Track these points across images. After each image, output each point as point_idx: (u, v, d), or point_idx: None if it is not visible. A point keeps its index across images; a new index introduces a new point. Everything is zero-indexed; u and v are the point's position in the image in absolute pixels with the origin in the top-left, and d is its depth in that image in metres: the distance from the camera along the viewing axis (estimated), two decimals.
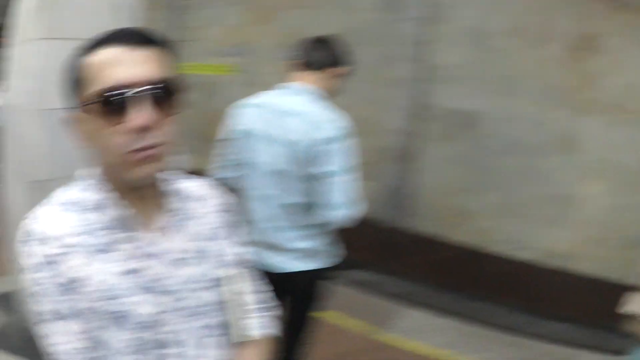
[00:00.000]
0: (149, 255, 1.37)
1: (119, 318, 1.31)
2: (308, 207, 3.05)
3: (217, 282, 1.49)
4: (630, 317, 3.83)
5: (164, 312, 1.37)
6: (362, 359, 4.76)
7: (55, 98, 3.62)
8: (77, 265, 1.28)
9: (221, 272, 1.51)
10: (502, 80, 6.58)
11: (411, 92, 7.11)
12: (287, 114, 3.00)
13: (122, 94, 1.22)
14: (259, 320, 1.64)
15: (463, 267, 6.78)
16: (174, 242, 1.42)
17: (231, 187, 3.16)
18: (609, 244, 6.27)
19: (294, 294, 3.17)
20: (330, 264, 3.23)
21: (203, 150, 9.37)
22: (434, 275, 6.83)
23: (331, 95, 3.19)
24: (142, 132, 1.23)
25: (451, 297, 6.52)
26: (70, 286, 1.27)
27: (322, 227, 3.13)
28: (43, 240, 1.28)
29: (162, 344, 1.38)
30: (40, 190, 3.67)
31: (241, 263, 1.61)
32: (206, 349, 1.47)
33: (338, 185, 2.92)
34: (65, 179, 3.73)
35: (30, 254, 1.28)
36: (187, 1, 9.43)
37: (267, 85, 3.32)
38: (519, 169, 6.56)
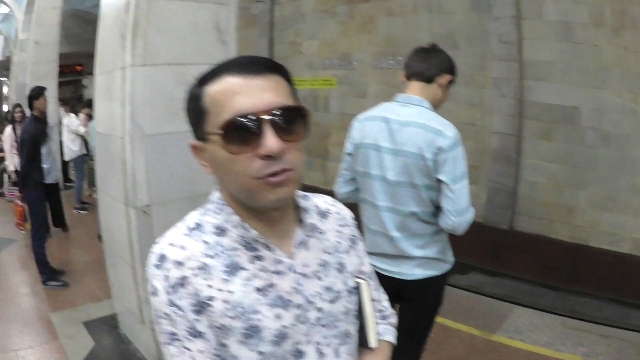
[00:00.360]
0: (279, 272, 1.34)
1: (251, 333, 1.30)
2: (429, 216, 3.04)
3: (344, 293, 1.48)
4: None
5: (294, 324, 1.34)
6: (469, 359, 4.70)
7: (155, 123, 3.72)
8: (206, 285, 1.27)
9: (348, 283, 1.50)
10: (591, 72, 6.50)
11: (508, 91, 7.06)
12: (407, 125, 2.98)
13: (251, 121, 1.20)
14: (381, 328, 1.66)
15: (566, 263, 6.76)
16: (302, 258, 1.40)
17: (354, 200, 3.23)
18: None
19: (412, 300, 3.13)
20: (446, 270, 3.18)
21: (312, 165, 9.49)
22: (539, 274, 6.82)
23: (441, 103, 3.16)
24: (273, 158, 1.21)
25: (555, 295, 6.49)
26: (202, 306, 1.27)
27: (441, 235, 3.11)
28: (177, 263, 1.27)
29: (298, 355, 1.37)
30: (146, 215, 3.75)
31: (364, 273, 1.61)
32: (340, 357, 1.46)
33: (459, 192, 2.89)
34: (181, 201, 3.79)
35: (165, 277, 1.27)
36: (282, 17, 9.56)
37: (369, 95, 3.30)
38: (614, 160, 6.43)
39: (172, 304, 1.25)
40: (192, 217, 1.39)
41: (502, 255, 7.16)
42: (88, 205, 9.71)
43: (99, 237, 7.02)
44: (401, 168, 2.97)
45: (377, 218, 3.11)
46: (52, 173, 7.06)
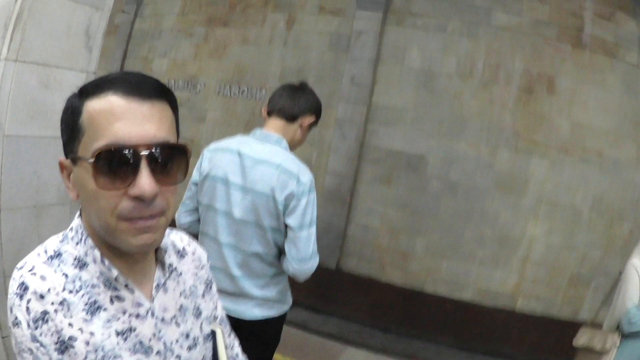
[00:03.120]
0: (139, 315, 1.30)
1: None
2: (272, 257, 3.07)
3: (200, 340, 1.45)
4: (580, 351, 3.95)
5: None
6: None
7: (15, 124, 3.54)
8: (68, 324, 1.20)
9: (204, 330, 1.48)
10: (447, 122, 6.70)
11: (352, 133, 7.19)
12: (260, 163, 2.99)
13: (127, 155, 1.14)
14: None
15: (402, 307, 6.86)
16: (161, 301, 1.37)
17: (194, 233, 3.20)
18: (553, 283, 6.40)
19: (248, 339, 3.12)
20: (284, 312, 3.27)
21: None
22: (373, 315, 6.92)
23: (298, 144, 3.23)
24: (143, 201, 1.15)
25: (391, 337, 6.60)
26: (63, 345, 1.19)
27: (282, 276, 3.17)
28: (37, 295, 1.19)
29: None
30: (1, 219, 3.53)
31: (218, 318, 1.60)
32: None
33: (304, 239, 2.94)
34: (27, 209, 3.62)
35: (27, 309, 1.18)
36: (141, 30, 9.37)
37: (207, 121, 3.33)
38: (461, 210, 6.67)
39: (35, 339, 1.18)
40: (52, 243, 1.32)
41: (329, 294, 7.22)
42: None
43: None
44: (249, 206, 2.96)
45: (218, 254, 3.07)
46: None
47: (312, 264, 3.01)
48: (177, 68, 9.15)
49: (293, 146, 3.18)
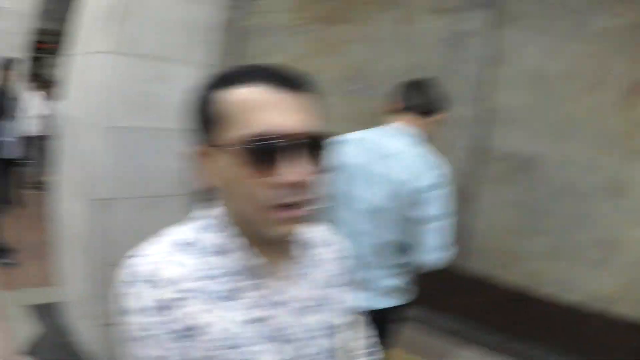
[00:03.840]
0: (275, 304, 1.26)
1: None
2: (399, 247, 3.06)
3: (334, 330, 1.40)
4: None
5: None
6: None
7: (123, 116, 3.58)
8: (195, 312, 1.16)
9: (341, 318, 1.43)
10: (558, 124, 6.55)
11: (471, 133, 7.07)
12: (391, 155, 2.99)
13: (278, 143, 1.11)
14: None
15: (513, 308, 6.71)
16: (299, 290, 1.32)
17: (331, 221, 3.16)
18: None
19: (369, 328, 3.17)
20: (406, 302, 3.24)
21: None
22: (485, 314, 6.76)
23: (428, 139, 3.20)
24: (290, 189, 1.13)
25: (500, 337, 6.46)
26: (185, 334, 1.15)
27: (409, 267, 3.16)
28: (155, 283, 1.15)
29: None
30: (101, 208, 3.65)
31: (354, 309, 1.55)
32: None
33: (435, 230, 2.94)
34: (127, 200, 3.71)
35: (138, 297, 1.14)
36: (251, 27, 9.50)
37: (331, 119, 3.30)
38: (570, 213, 6.51)
39: (152, 327, 1.13)
40: (185, 231, 1.27)
41: (448, 291, 6.99)
42: (44, 185, 9.39)
43: None
44: (384, 196, 2.96)
45: (352, 242, 3.14)
46: (10, 148, 6.85)
47: (442, 256, 3.04)
48: (292, 65, 8.95)
49: (425, 140, 3.18)
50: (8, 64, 6.02)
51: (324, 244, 1.48)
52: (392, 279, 3.11)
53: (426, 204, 2.91)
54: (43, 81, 9.71)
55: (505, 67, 6.82)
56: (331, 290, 1.43)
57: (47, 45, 19.16)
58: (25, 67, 10.70)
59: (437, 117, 3.18)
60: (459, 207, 7.05)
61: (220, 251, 1.23)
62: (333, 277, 1.45)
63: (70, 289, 4.27)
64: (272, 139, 1.10)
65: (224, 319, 1.18)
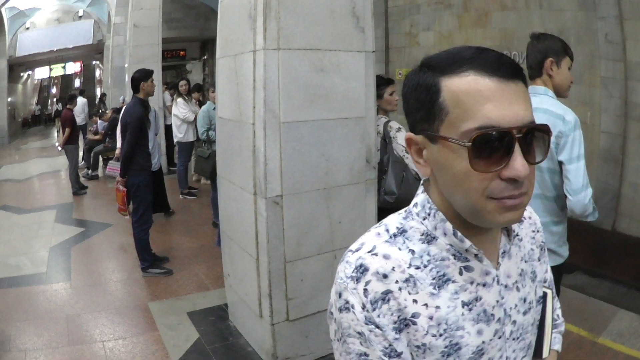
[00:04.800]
0: (485, 284, 1.25)
1: (452, 352, 1.21)
2: (550, 200, 3.14)
3: (534, 304, 1.39)
4: None
5: (492, 340, 1.26)
6: None
7: (291, 110, 3.57)
8: (412, 300, 1.18)
9: (537, 293, 1.41)
10: None
11: (617, 91, 6.92)
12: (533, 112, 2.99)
13: (502, 137, 1.08)
14: (555, 337, 1.62)
15: None
16: (507, 268, 1.32)
17: None
18: None
19: None
20: (558, 263, 3.22)
21: None
22: (638, 278, 6.58)
23: (563, 87, 3.26)
24: (516, 182, 1.10)
25: None
26: (406, 323, 1.17)
27: (559, 226, 3.20)
28: (380, 275, 1.17)
29: None
30: (278, 205, 3.63)
31: (546, 281, 1.52)
32: None
33: (574, 172, 3.00)
34: (314, 192, 3.70)
35: (364, 291, 1.15)
36: (396, 7, 9.56)
37: None
38: None
39: (369, 322, 1.15)
40: (394, 220, 1.29)
41: (604, 256, 7.01)
42: (196, 190, 9.79)
43: (214, 224, 7.01)
44: None
45: None
46: (155, 159, 7.03)
47: (585, 196, 3.02)
48: (444, 40, 9.21)
49: (560, 91, 3.24)
50: (145, 75, 6.11)
51: (521, 219, 1.41)
52: (550, 239, 3.12)
53: (562, 150, 2.99)
54: (183, 88, 9.94)
55: (635, 22, 6.73)
56: (532, 264, 1.43)
57: (177, 52, 19.95)
58: (159, 77, 11.10)
59: (546, 67, 3.20)
60: (614, 168, 6.93)
61: (431, 238, 1.24)
62: (532, 250, 1.45)
63: (240, 290, 4.30)
64: (497, 134, 1.09)
65: (439, 305, 1.20)
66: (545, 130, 1.15)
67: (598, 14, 6.95)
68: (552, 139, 2.85)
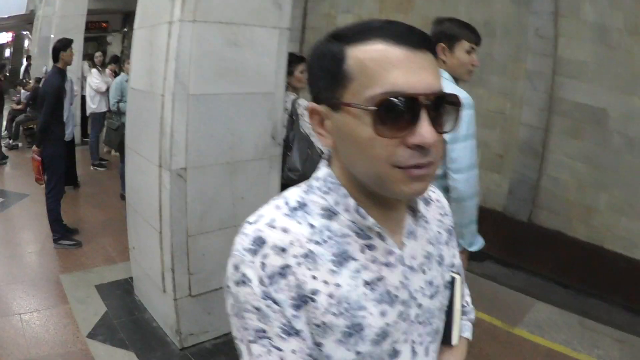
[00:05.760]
0: (389, 264, 1.22)
1: (353, 332, 1.17)
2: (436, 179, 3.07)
3: (441, 288, 1.37)
4: None
5: (397, 321, 1.22)
6: (491, 351, 4.71)
7: (201, 83, 3.54)
8: (312, 277, 1.13)
9: (445, 277, 1.39)
10: (623, 77, 6.45)
11: (542, 85, 7.05)
12: None
13: (409, 103, 1.06)
14: (465, 324, 1.59)
15: (582, 263, 6.72)
16: (413, 248, 1.28)
17: None
18: None
19: None
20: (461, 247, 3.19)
21: None
22: (556, 270, 6.78)
23: (461, 75, 3.25)
24: (422, 149, 1.07)
25: (568, 293, 6.46)
26: (304, 300, 1.12)
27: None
28: (278, 249, 1.12)
29: (393, 354, 1.25)
30: (182, 178, 3.59)
31: (455, 266, 1.49)
32: (429, 356, 1.35)
33: (458, 151, 3.00)
34: (218, 166, 3.68)
35: (262, 265, 1.11)
36: None
37: None
38: (638, 167, 6.43)
39: (267, 296, 1.11)
40: (294, 194, 1.25)
41: (519, 247, 7.15)
42: (106, 162, 9.69)
43: (122, 197, 6.87)
44: None
45: None
46: (69, 129, 6.94)
47: (469, 175, 3.05)
48: None
49: (458, 76, 3.24)
50: (64, 44, 6.03)
51: (426, 200, 1.44)
52: None
53: None
54: (98, 59, 9.92)
55: (569, 19, 6.84)
56: (439, 247, 1.40)
57: (99, 24, 19.63)
58: (80, 47, 10.99)
59: (439, 52, 3.18)
60: (534, 160, 7.07)
61: (333, 213, 1.21)
62: (438, 234, 1.41)
63: (144, 263, 4.26)
64: (402, 99, 1.06)
65: (339, 283, 1.16)
66: (454, 101, 1.15)
67: (531, 8, 7.06)
68: None
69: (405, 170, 1.08)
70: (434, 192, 1.48)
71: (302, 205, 1.21)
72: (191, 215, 3.66)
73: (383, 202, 1.20)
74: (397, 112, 1.06)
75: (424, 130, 1.06)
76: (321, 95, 1.16)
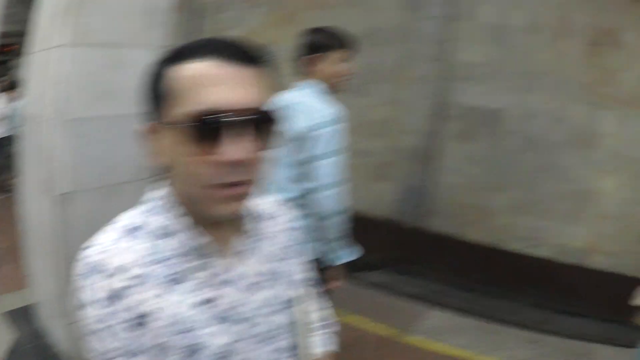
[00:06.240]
0: (224, 282, 1.24)
1: (192, 352, 1.19)
2: (301, 193, 3.11)
3: (288, 304, 1.39)
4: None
5: (237, 341, 1.25)
6: None
7: (80, 107, 3.56)
8: (146, 299, 1.14)
9: (289, 293, 1.41)
10: (521, 76, 6.60)
11: (432, 91, 7.11)
12: (293, 106, 3.07)
13: (219, 120, 1.08)
14: (322, 338, 1.60)
15: (482, 265, 6.78)
16: (249, 266, 1.30)
17: None
18: (625, 239, 6.29)
19: None
20: (324, 259, 3.22)
21: None
22: (454, 274, 6.83)
23: (335, 86, 3.25)
24: (235, 167, 1.10)
25: (471, 296, 6.49)
26: (139, 322, 1.14)
27: (309, 217, 3.15)
28: (108, 273, 1.13)
29: None
30: (63, 203, 3.58)
31: (307, 281, 1.53)
32: None
33: (324, 167, 3.00)
34: (89, 191, 3.67)
35: (93, 289, 1.13)
36: (207, 3, 9.47)
37: (288, 87, 3.36)
38: (537, 166, 6.59)
39: (106, 319, 1.13)
40: (130, 216, 1.26)
41: (412, 254, 7.13)
42: (8, 188, 9.38)
43: None
44: (282, 146, 3.02)
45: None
46: None
47: (332, 193, 3.03)
48: (252, 37, 8.97)
49: (332, 87, 3.23)
50: None
51: (272, 216, 1.46)
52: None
53: (314, 145, 2.99)
54: (7, 83, 9.69)
55: (464, 22, 6.90)
56: (282, 263, 1.41)
57: (11, 47, 19.01)
58: None
59: (308, 63, 3.23)
60: (423, 167, 7.15)
61: (167, 233, 1.22)
62: (283, 249, 1.43)
63: (40, 289, 4.22)
64: (216, 115, 1.08)
65: (174, 303, 1.17)
66: (272, 117, 1.15)
67: (422, 13, 7.12)
68: (304, 134, 2.94)
69: (222, 189, 1.10)
70: (277, 207, 1.50)
71: (138, 227, 1.22)
72: (75, 240, 3.58)
73: (216, 222, 1.22)
74: (210, 130, 1.08)
75: (237, 147, 1.08)
76: (150, 116, 1.18)
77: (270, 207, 1.48)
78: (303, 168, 3.05)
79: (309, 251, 3.06)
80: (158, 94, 1.16)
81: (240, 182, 1.12)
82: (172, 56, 1.16)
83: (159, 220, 1.23)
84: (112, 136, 3.70)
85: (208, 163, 1.10)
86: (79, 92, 3.54)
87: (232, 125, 1.08)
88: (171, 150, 1.15)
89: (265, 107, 1.13)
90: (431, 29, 7.07)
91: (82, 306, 1.15)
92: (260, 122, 1.12)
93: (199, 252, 1.22)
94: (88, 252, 1.17)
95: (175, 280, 1.18)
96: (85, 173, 3.62)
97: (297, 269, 1.47)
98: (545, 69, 6.45)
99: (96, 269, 1.14)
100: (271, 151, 1.19)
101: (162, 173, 1.23)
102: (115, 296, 1.12)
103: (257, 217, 1.39)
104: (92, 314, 1.13)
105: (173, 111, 1.12)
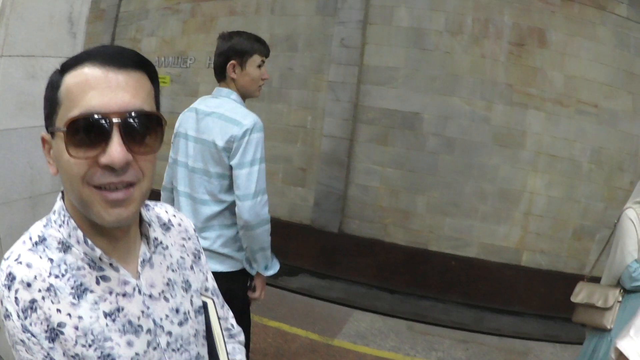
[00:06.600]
0: (126, 294, 1.28)
1: None
2: (218, 204, 3.14)
3: (192, 314, 1.43)
4: (580, 307, 3.86)
5: (147, 352, 1.29)
6: None
7: (4, 118, 3.50)
8: (55, 310, 1.19)
9: (195, 303, 1.45)
10: (440, 79, 6.72)
11: (348, 95, 7.15)
12: (208, 115, 3.11)
13: (98, 123, 1.12)
14: (230, 347, 1.61)
15: (407, 267, 6.89)
16: (148, 277, 1.34)
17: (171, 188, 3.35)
18: (556, 237, 6.45)
19: None
20: (237, 269, 3.24)
21: None
22: (374, 277, 6.94)
23: (251, 89, 3.26)
24: (114, 170, 1.13)
25: (394, 298, 6.61)
26: (56, 333, 1.19)
27: (231, 230, 3.19)
28: (24, 284, 1.18)
29: None
30: None
31: (209, 290, 1.57)
32: None
33: (246, 176, 2.99)
34: (22, 201, 3.61)
35: (15, 299, 1.17)
36: (127, 12, 9.31)
37: (200, 94, 3.45)
38: (459, 166, 6.66)
39: (25, 329, 1.17)
40: (36, 229, 1.30)
41: (333, 258, 7.24)
42: None
43: None
44: (198, 155, 3.10)
45: (177, 203, 3.23)
46: None
47: (257, 203, 3.00)
48: (166, 45, 9.14)
49: (249, 93, 3.26)
50: None
51: (169, 224, 1.49)
52: (213, 242, 3.15)
53: (234, 155, 3.00)
54: None
55: (380, 26, 7.03)
56: (183, 272, 1.44)
57: None
58: None
59: (229, 70, 3.21)
60: (339, 171, 7.19)
61: (63, 247, 1.25)
62: (180, 260, 1.45)
63: None
64: (91, 118, 1.12)
65: (82, 315, 1.21)
66: (156, 118, 1.19)
67: (337, 19, 7.23)
68: (222, 144, 2.98)
69: (101, 191, 1.13)
70: (175, 217, 1.53)
71: (42, 240, 1.25)
72: (0, 251, 3.52)
73: (109, 231, 1.24)
74: (88, 133, 1.12)
75: (113, 149, 1.11)
76: (46, 124, 1.22)
77: (167, 216, 1.52)
78: (224, 178, 3.07)
79: (222, 261, 3.18)
80: (51, 102, 1.20)
81: (120, 182, 1.15)
82: (66, 65, 1.20)
83: (59, 233, 1.26)
84: (32, 147, 3.63)
85: (86, 165, 1.13)
86: (3, 103, 3.50)
87: (108, 127, 1.12)
88: (58, 156, 1.18)
89: (142, 111, 1.17)
90: (347, 33, 7.13)
91: (6, 316, 1.18)
92: (140, 125, 1.16)
93: (97, 265, 1.25)
94: (7, 263, 1.21)
95: (79, 292, 1.22)
96: (10, 185, 3.58)
97: (199, 278, 1.51)
98: (467, 70, 6.57)
99: (13, 279, 1.18)
100: (154, 155, 1.22)
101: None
102: (30, 307, 1.17)
103: (154, 225, 1.43)
104: (15, 324, 1.17)
105: (59, 118, 1.17)
